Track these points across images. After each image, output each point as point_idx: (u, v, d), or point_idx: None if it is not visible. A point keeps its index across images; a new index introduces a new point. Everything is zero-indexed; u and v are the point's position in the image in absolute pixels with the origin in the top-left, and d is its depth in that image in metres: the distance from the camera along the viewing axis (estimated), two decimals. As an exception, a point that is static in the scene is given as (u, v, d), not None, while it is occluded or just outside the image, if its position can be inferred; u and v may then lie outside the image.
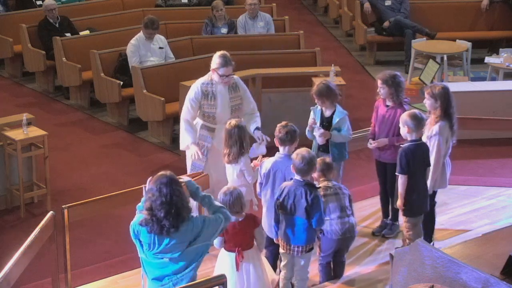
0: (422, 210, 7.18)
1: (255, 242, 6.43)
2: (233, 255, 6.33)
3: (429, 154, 7.17)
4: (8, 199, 8.85)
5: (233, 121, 7.16)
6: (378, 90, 7.64)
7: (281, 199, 6.46)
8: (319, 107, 7.77)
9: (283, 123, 6.84)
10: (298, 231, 6.47)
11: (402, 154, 7.01)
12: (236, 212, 6.25)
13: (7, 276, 5.96)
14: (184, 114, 7.82)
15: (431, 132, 7.25)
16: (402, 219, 7.43)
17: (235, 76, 7.89)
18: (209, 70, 7.77)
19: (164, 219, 5.19)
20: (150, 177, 5.39)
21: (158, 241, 5.27)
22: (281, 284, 6.77)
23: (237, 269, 6.30)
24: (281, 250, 6.66)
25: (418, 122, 6.98)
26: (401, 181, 7.05)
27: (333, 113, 7.68)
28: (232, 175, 7.28)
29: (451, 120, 7.28)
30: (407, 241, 7.19)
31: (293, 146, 6.77)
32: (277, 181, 6.71)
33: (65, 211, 6.81)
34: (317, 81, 10.07)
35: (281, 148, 6.80)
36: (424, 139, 7.24)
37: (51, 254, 6.81)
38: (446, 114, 7.25)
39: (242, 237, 6.26)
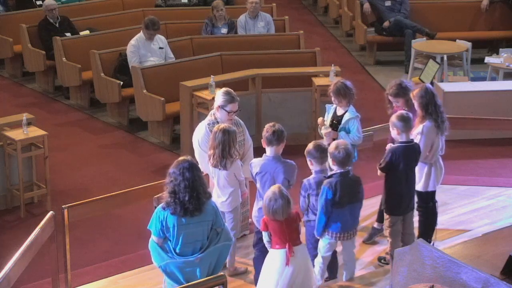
0: (399, 211, 7.14)
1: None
2: (283, 251, 6.28)
3: (420, 154, 7.16)
4: (8, 199, 8.84)
5: (222, 125, 6.94)
6: (394, 105, 7.55)
7: (338, 196, 6.54)
8: (334, 105, 7.74)
9: (271, 123, 6.77)
10: (356, 215, 6.78)
11: (389, 154, 7.01)
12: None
13: (7, 276, 5.97)
14: (201, 160, 7.27)
15: (416, 131, 7.24)
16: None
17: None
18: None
19: (188, 203, 5.68)
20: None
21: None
22: (320, 272, 6.82)
23: (287, 263, 6.28)
24: (326, 242, 6.71)
25: (405, 123, 6.98)
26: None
27: (345, 113, 7.62)
28: (217, 179, 7.01)
29: (431, 117, 7.24)
30: (387, 238, 7.29)
31: (280, 147, 6.72)
32: (266, 183, 6.63)
33: (65, 211, 6.81)
34: (318, 81, 10.15)
35: (267, 149, 6.73)
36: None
37: (51, 254, 6.81)
38: (427, 113, 7.23)
39: (291, 232, 6.30)
